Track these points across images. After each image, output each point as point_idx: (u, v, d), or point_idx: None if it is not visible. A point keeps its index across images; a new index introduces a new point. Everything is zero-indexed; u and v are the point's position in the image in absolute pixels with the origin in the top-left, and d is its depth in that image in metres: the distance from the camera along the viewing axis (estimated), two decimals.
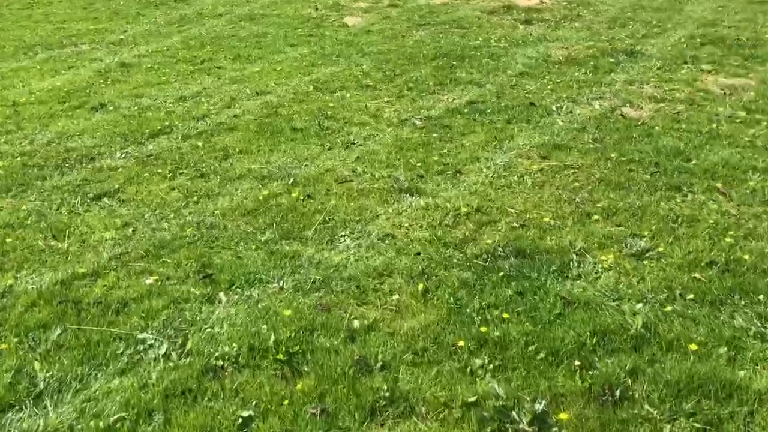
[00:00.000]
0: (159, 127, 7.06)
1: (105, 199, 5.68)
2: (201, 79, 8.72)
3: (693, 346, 3.43)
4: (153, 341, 3.77)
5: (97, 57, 9.91)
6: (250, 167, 6.11)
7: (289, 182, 5.73)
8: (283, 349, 3.57)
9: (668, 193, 5.26)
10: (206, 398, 3.30)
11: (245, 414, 3.17)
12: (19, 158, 6.48)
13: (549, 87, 7.92)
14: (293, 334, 3.70)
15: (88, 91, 8.40)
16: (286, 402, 3.21)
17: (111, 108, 7.76)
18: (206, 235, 4.95)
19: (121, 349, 3.72)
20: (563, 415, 2.96)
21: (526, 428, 2.93)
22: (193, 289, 4.26)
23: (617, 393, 3.13)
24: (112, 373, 3.54)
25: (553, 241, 4.58)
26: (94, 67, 9.44)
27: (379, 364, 3.45)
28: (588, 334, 3.55)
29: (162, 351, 3.68)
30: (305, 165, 6.12)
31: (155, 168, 6.24)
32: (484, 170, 5.84)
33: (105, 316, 4.02)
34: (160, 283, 4.37)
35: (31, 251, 4.83)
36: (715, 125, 6.56)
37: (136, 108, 7.73)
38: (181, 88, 8.38)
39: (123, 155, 6.51)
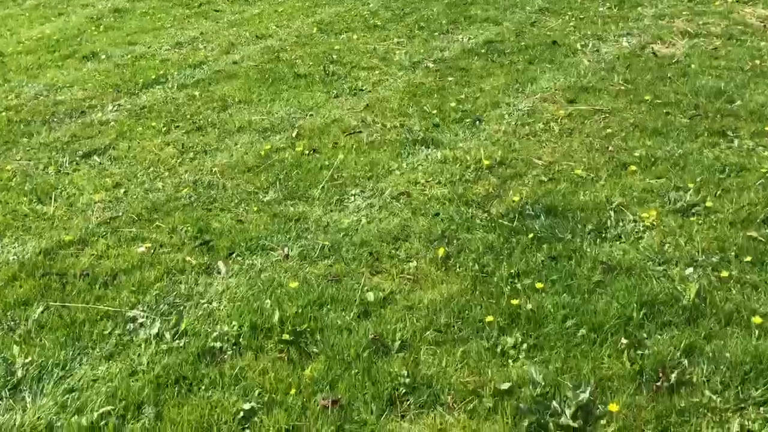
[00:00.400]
0: (153, 77, 6.57)
1: (95, 157, 5.24)
2: (198, 23, 8.17)
3: (757, 320, 3.00)
4: (144, 319, 3.37)
5: (89, 2, 9.35)
6: (251, 119, 5.63)
7: (293, 135, 5.26)
8: (289, 327, 3.17)
9: (711, 139, 4.76)
10: (203, 387, 2.92)
11: (247, 406, 2.78)
12: (4, 113, 6.02)
13: (572, 24, 7.33)
14: (300, 310, 3.29)
15: (79, 39, 7.89)
16: (293, 391, 2.83)
17: (103, 57, 7.25)
18: (203, 196, 4.52)
19: (109, 329, 3.34)
20: (612, 406, 2.56)
21: (570, 422, 2.53)
22: (189, 258, 3.85)
23: (672, 377, 2.72)
24: (99, 357, 3.16)
25: (587, 197, 4.12)
26: (86, 13, 8.90)
27: (397, 344, 3.05)
28: (634, 305, 3.12)
29: (154, 331, 3.29)
30: (310, 115, 5.64)
31: (149, 121, 5.78)
32: (506, 117, 5.34)
33: (92, 290, 3.63)
34: (153, 251, 3.96)
35: (14, 216, 4.42)
36: (758, 61, 5.99)
37: (129, 56, 7.22)
38: (177, 34, 7.84)
39: (115, 108, 6.04)
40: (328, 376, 2.91)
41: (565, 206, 4.02)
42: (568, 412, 2.58)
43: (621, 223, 3.84)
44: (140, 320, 3.38)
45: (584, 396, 2.62)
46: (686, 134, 4.83)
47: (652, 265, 3.47)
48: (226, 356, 3.09)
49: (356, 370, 2.91)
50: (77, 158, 5.24)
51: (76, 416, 2.79)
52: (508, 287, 3.35)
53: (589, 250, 3.60)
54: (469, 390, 2.78)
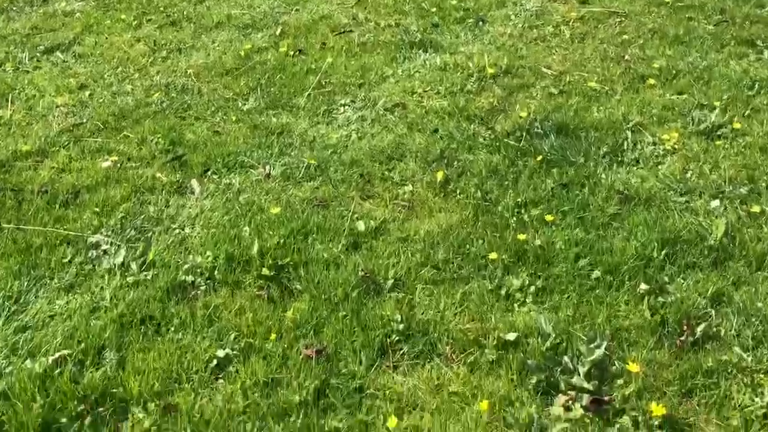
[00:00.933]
0: None
1: (58, 53, 4.75)
2: None
3: None
4: (108, 246, 3.03)
5: None
6: (230, 12, 5.10)
7: (276, 33, 4.76)
8: (270, 261, 2.83)
9: (739, 49, 4.32)
10: (172, 329, 2.61)
11: (221, 353, 2.48)
12: None
13: None
14: (282, 240, 2.95)
15: None
16: (273, 337, 2.52)
17: None
18: (176, 102, 4.08)
19: (69, 257, 2.99)
20: (632, 366, 2.28)
21: (584, 383, 2.25)
22: (159, 175, 3.47)
23: (698, 330, 2.43)
24: (57, 289, 2.83)
25: (602, 114, 3.72)
26: None
27: (389, 283, 2.73)
28: (655, 244, 2.80)
29: (119, 260, 2.94)
30: (296, 10, 5.10)
31: (118, 13, 5.23)
32: (512, 18, 4.85)
33: (51, 209, 3.26)
34: (119, 165, 3.57)
35: None
36: None
37: None
38: None
39: None
40: (313, 318, 2.60)
41: (578, 124, 3.63)
42: (582, 369, 2.30)
43: (639, 146, 3.46)
44: (103, 247, 3.03)
45: (599, 352, 2.33)
46: (711, 43, 4.39)
47: (673, 195, 3.13)
48: (198, 292, 2.77)
49: (344, 313, 2.60)
50: (38, 54, 4.74)
51: (28, 361, 2.48)
52: (514, 219, 3.01)
53: (603, 176, 3.24)
54: (470, 339, 2.49)
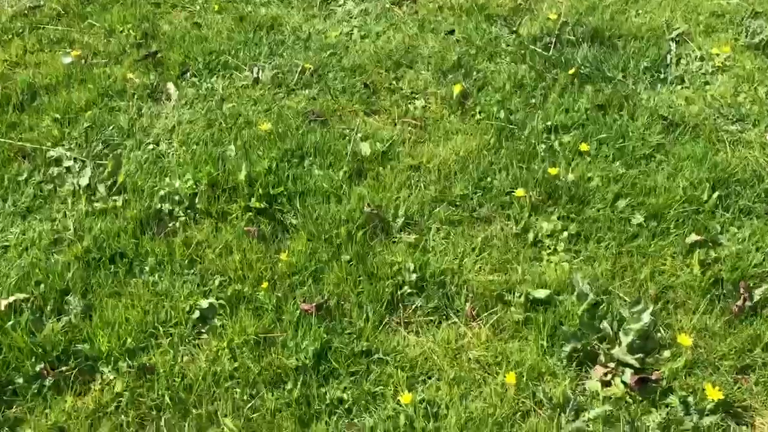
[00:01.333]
0: None
1: None
2: None
3: None
4: (71, 162, 2.61)
5: None
6: None
7: None
8: (260, 189, 2.44)
9: None
10: (147, 270, 2.24)
11: (204, 304, 2.13)
12: None
13: None
14: (275, 165, 2.54)
15: None
16: (264, 285, 2.16)
17: None
18: None
19: (25, 174, 2.58)
20: (684, 338, 1.97)
21: (627, 357, 1.94)
22: (130, 76, 2.99)
23: (757, 293, 2.11)
24: (11, 214, 2.44)
25: (641, 19, 3.25)
26: None
27: (400, 221, 2.36)
28: (705, 184, 2.43)
29: (83, 180, 2.53)
30: None
31: None
32: None
33: (3, 114, 2.81)
34: (83, 61, 3.08)
35: None
36: None
37: None
38: None
39: None
40: (311, 262, 2.24)
41: (614, 31, 3.16)
42: (624, 340, 1.98)
43: (684, 61, 3.02)
44: (66, 163, 2.61)
45: (645, 318, 2.01)
46: None
47: (723, 122, 2.73)
48: (177, 224, 2.39)
49: (347, 257, 2.24)
50: None
51: None
52: (543, 146, 2.61)
53: (644, 97, 2.82)
54: (493, 294, 2.15)
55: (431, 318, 2.12)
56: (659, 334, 2.04)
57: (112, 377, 1.97)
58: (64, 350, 2.02)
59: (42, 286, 2.18)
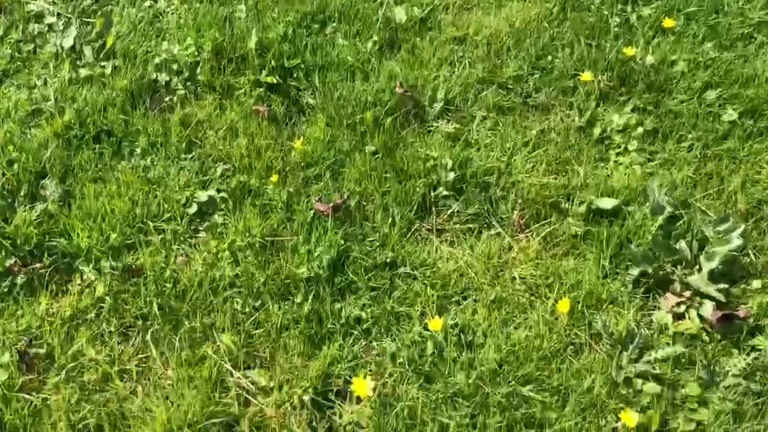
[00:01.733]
0: None
1: None
2: None
3: None
4: (54, 19, 2.22)
5: None
6: None
7: None
8: (273, 61, 2.04)
9: None
10: (136, 152, 1.90)
11: (202, 197, 1.80)
12: None
13: None
14: (290, 30, 2.12)
15: None
16: (274, 178, 1.82)
17: None
18: None
19: (1, 31, 2.20)
20: None
21: (708, 287, 1.59)
22: None
23: None
24: None
25: None
26: None
27: (437, 106, 1.97)
28: None
29: (68, 41, 2.16)
30: None
31: None
32: None
33: None
34: None
35: None
36: None
37: None
38: None
39: None
40: (330, 154, 1.88)
41: None
42: (706, 265, 1.62)
43: None
44: (48, 20, 2.23)
45: (734, 241, 1.64)
46: None
47: None
48: (174, 99, 2.02)
49: (373, 149, 1.87)
50: None
51: None
52: (617, 20, 2.14)
53: None
54: (547, 201, 1.79)
55: (470, 226, 1.77)
56: (749, 260, 1.68)
57: (92, 278, 1.68)
58: (37, 244, 1.73)
59: (15, 165, 1.86)
